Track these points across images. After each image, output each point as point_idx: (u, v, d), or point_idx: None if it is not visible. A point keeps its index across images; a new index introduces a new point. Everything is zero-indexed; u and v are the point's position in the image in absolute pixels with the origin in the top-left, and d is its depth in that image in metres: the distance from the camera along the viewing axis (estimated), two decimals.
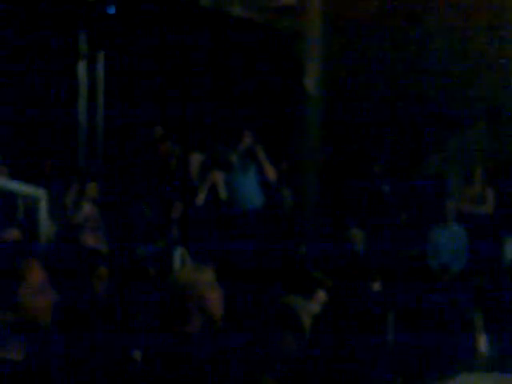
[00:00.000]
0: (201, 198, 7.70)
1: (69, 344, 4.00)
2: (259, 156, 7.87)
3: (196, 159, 8.19)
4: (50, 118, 8.77)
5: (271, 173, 7.94)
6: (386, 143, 10.15)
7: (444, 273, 7.95)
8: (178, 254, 6.77)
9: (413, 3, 10.20)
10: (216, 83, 9.85)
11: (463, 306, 5.62)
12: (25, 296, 2.43)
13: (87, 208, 7.02)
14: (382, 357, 5.04)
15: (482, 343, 6.31)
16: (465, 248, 8.17)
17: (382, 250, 7.53)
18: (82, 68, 9.47)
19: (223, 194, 7.78)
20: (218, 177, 7.81)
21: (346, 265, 6.95)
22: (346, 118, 10.21)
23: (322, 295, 5.31)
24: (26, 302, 2.43)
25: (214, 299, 3.37)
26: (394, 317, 6.09)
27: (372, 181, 9.22)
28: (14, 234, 5.87)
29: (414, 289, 7.00)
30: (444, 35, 10.02)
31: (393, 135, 10.18)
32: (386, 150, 10.07)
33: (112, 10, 9.15)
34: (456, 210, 8.48)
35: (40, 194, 6.66)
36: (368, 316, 5.49)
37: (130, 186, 8.19)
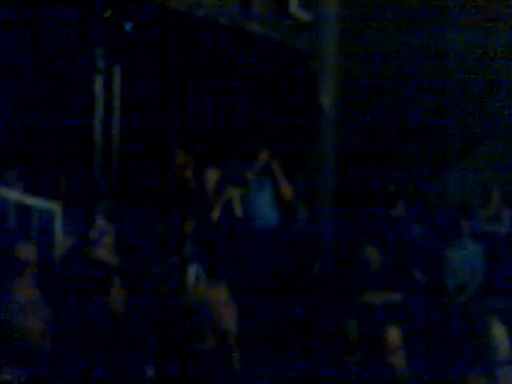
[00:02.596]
0: (215, 215, 7.68)
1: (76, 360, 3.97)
2: (275, 173, 7.85)
3: (211, 175, 8.17)
4: (66, 133, 8.80)
5: (287, 190, 7.92)
6: (401, 160, 10.11)
7: (460, 292, 7.88)
8: (192, 270, 6.74)
9: (430, 19, 10.21)
10: (232, 99, 9.86)
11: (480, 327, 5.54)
12: (10, 315, 2.37)
13: (101, 223, 7.00)
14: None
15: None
16: (481, 267, 8.09)
17: (396, 267, 7.48)
18: (98, 83, 9.51)
19: (238, 210, 7.75)
20: (234, 193, 7.79)
21: (360, 281, 6.91)
22: (361, 136, 10.19)
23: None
24: (13, 321, 2.37)
25: (228, 316, 3.35)
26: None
27: (386, 198, 9.18)
28: (28, 248, 5.86)
29: (429, 308, 6.93)
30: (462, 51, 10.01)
31: (408, 153, 10.15)
32: (401, 167, 10.04)
33: (129, 27, 9.19)
34: (472, 229, 8.42)
35: (55, 208, 6.67)
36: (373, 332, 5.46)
37: (144, 201, 8.18)
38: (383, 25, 10.37)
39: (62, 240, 6.61)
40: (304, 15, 9.75)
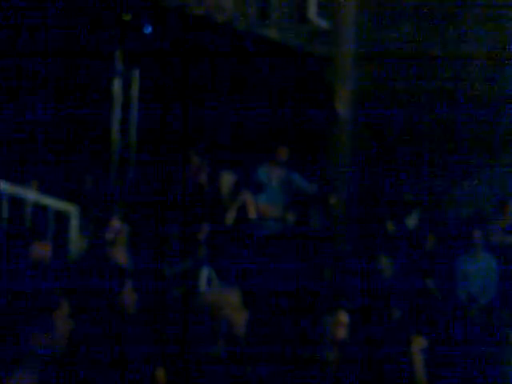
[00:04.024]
0: (230, 218, 7.70)
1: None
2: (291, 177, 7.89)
3: (227, 178, 8.20)
4: (84, 136, 8.85)
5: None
6: (417, 170, 10.10)
7: (473, 304, 7.84)
8: (205, 274, 6.77)
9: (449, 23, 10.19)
10: (248, 105, 9.88)
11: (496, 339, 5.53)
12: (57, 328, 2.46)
13: (116, 225, 7.06)
14: None
15: None
16: (495, 279, 8.04)
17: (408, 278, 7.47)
18: (117, 86, 9.55)
19: (253, 214, 7.78)
20: (248, 197, 7.82)
21: (372, 290, 6.91)
22: (377, 143, 10.18)
23: (345, 319, 5.29)
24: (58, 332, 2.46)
25: (240, 321, 3.38)
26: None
27: (400, 208, 9.17)
28: (44, 248, 5.92)
29: (440, 319, 6.93)
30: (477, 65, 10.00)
31: (423, 161, 10.13)
32: (417, 176, 10.02)
33: (148, 30, 9.24)
34: (486, 240, 8.38)
35: (71, 209, 6.73)
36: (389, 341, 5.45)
37: (159, 204, 8.22)
38: (401, 30, 10.36)
39: (77, 240, 6.66)
40: (322, 21, 9.76)
